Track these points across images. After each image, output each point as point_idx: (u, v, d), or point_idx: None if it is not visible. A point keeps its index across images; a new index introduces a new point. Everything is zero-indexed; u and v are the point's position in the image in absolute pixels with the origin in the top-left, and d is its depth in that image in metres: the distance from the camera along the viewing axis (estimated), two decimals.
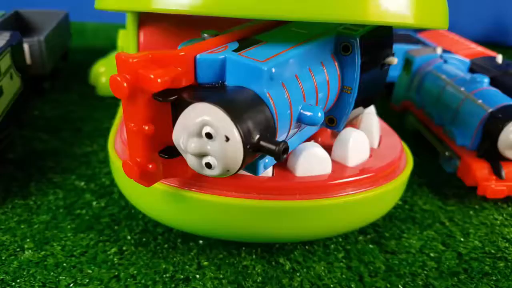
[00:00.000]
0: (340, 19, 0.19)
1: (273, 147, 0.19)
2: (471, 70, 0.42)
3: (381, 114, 0.31)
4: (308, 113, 0.21)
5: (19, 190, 0.30)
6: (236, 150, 0.18)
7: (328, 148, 0.26)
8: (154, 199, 0.24)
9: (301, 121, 0.22)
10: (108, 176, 0.32)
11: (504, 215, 0.32)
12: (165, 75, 0.19)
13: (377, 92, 0.28)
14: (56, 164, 0.33)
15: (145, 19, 0.41)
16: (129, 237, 0.27)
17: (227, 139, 0.18)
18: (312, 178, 0.24)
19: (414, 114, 0.42)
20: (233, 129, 0.18)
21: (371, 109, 0.30)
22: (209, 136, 0.18)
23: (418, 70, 0.42)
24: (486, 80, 0.36)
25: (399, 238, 0.29)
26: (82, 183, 0.31)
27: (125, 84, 0.18)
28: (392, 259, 0.27)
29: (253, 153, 0.19)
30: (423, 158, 0.38)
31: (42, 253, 0.25)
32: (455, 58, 0.42)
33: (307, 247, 0.27)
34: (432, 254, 0.27)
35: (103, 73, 0.45)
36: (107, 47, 0.56)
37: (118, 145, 0.27)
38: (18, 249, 0.25)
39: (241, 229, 0.24)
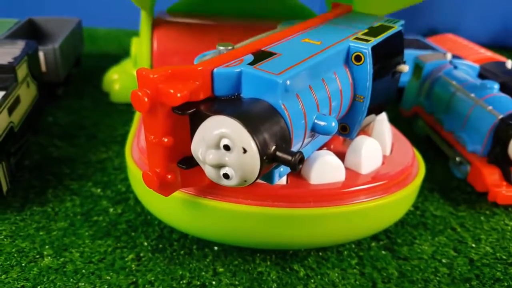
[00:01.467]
0: None
1: (289, 157, 0.19)
2: (481, 75, 0.42)
3: (391, 118, 0.31)
4: (322, 123, 0.22)
5: (37, 197, 0.31)
6: (253, 161, 0.19)
7: (341, 155, 0.26)
8: (171, 207, 0.25)
9: (315, 130, 0.22)
10: (124, 182, 0.33)
11: None
12: (184, 89, 0.19)
13: (388, 99, 0.29)
14: (72, 170, 0.34)
15: (158, 26, 0.42)
16: (145, 244, 0.27)
17: (245, 151, 0.18)
18: (326, 186, 0.25)
19: (424, 119, 0.42)
20: (250, 141, 0.18)
21: (383, 116, 0.30)
22: (227, 148, 0.19)
23: (428, 76, 0.42)
24: (496, 86, 0.36)
25: (411, 244, 0.29)
26: (99, 190, 0.32)
27: (146, 99, 0.19)
28: (405, 265, 0.27)
29: (269, 163, 0.20)
30: (434, 163, 0.38)
31: (61, 259, 0.26)
32: (464, 64, 0.42)
33: (320, 253, 0.27)
34: (444, 260, 0.28)
35: (117, 80, 0.46)
36: (119, 53, 0.57)
37: (135, 153, 0.28)
38: (37, 256, 0.26)
39: (256, 236, 0.25)
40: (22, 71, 0.34)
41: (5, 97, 0.30)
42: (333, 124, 0.22)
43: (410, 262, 0.27)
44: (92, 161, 0.36)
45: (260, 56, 0.22)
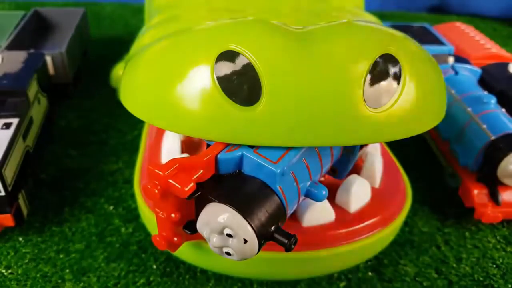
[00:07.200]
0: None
1: (285, 240, 0.21)
2: (482, 79, 0.42)
3: None
4: (314, 191, 0.24)
5: (55, 215, 0.34)
6: (252, 248, 0.21)
7: (333, 187, 0.28)
8: None
9: (307, 196, 0.24)
10: (134, 198, 0.35)
11: (498, 237, 0.34)
12: (190, 181, 0.21)
13: None
14: (86, 185, 0.37)
15: None
16: (154, 267, 0.30)
17: (245, 241, 0.21)
18: (316, 229, 0.27)
19: None
20: (251, 233, 0.20)
21: (376, 145, 0.32)
22: (229, 235, 0.21)
23: None
24: (493, 100, 0.37)
25: (396, 265, 0.32)
26: (111, 207, 0.35)
27: (156, 191, 0.21)
28: None
29: (266, 242, 0.22)
30: (428, 169, 0.40)
31: (81, 285, 0.29)
32: (466, 68, 0.42)
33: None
34: (424, 283, 0.30)
35: None
36: (125, 37, 0.57)
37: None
38: (59, 281, 0.29)
39: (252, 274, 0.28)
40: (32, 91, 0.36)
41: (19, 125, 0.32)
42: (324, 192, 0.24)
43: (393, 284, 0.30)
44: (103, 172, 0.38)
45: None
